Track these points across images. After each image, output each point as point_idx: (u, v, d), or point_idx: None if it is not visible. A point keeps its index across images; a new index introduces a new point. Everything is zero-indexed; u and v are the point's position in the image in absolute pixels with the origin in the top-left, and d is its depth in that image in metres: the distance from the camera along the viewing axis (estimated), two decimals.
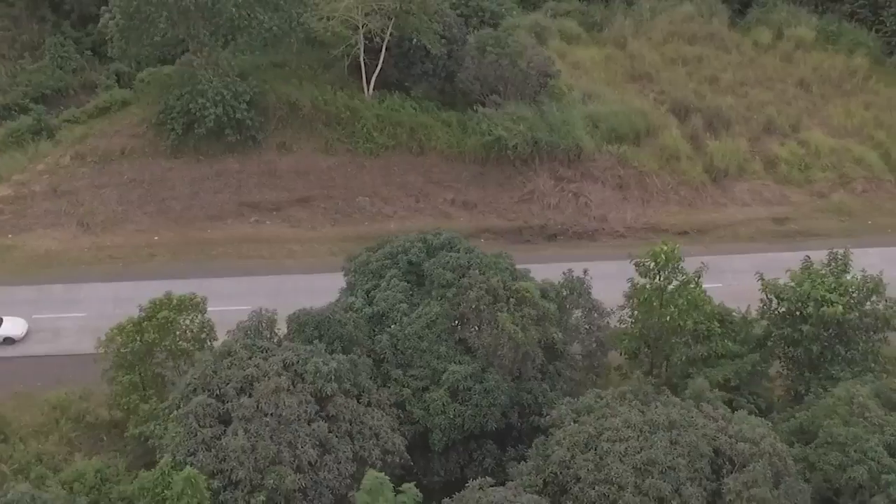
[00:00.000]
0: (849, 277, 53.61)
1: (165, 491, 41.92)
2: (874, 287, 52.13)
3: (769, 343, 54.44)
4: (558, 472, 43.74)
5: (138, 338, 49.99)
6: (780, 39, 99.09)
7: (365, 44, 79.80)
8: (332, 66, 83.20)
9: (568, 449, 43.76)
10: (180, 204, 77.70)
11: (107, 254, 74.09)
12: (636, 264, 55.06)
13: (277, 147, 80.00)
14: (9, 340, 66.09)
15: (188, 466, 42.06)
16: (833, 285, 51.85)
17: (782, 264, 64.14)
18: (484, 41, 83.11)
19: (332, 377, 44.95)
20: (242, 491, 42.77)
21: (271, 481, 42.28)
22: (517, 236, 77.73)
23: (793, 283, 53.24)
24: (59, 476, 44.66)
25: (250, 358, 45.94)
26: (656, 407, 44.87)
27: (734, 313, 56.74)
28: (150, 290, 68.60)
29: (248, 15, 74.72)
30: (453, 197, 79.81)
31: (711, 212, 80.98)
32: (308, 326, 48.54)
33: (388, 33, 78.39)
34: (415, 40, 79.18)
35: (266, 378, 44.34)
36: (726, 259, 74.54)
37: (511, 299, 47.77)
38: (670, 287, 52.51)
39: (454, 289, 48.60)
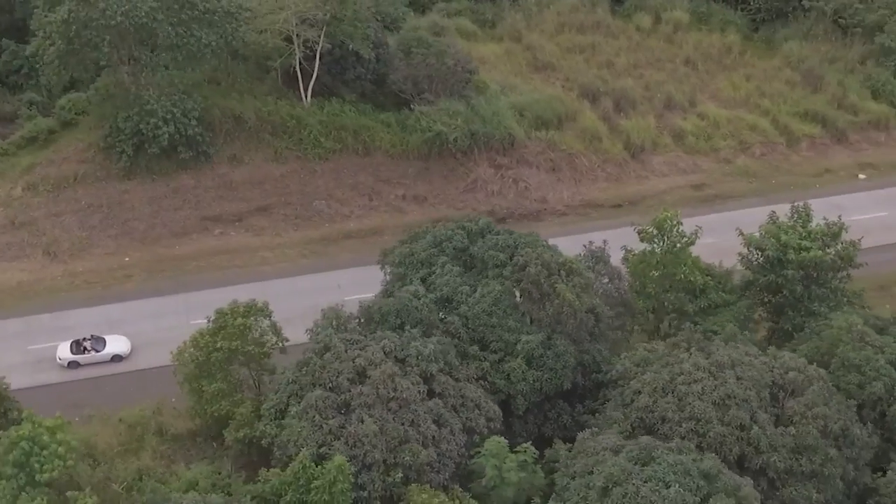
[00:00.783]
0: (813, 226, 61.06)
1: (312, 482, 43.22)
2: (838, 231, 59.62)
3: (751, 290, 61.32)
4: (644, 416, 47.87)
5: (219, 346, 50.58)
6: (659, 23, 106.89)
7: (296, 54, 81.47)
8: (265, 77, 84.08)
9: (649, 395, 47.98)
10: (143, 224, 77.28)
11: (82, 279, 72.95)
12: (639, 231, 60.83)
13: (229, 160, 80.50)
14: (117, 358, 65.65)
15: (337, 455, 43.60)
16: (804, 234, 59.21)
17: (711, 225, 71.28)
18: (408, 43, 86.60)
19: (432, 358, 48.03)
20: (378, 472, 44.70)
21: (407, 458, 44.72)
22: None
23: (768, 236, 60.12)
24: (170, 487, 45.52)
25: (346, 351, 48.01)
26: (717, 350, 50.45)
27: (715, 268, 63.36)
28: (138, 310, 70.34)
29: (186, 32, 74.75)
30: (403, 192, 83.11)
31: (636, 184, 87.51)
32: (391, 315, 50.64)
33: (322, 41, 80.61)
34: (347, 46, 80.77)
35: (374, 366, 46.63)
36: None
37: (561, 271, 52.03)
38: (675, 248, 58.56)
39: (509, 267, 52.00)
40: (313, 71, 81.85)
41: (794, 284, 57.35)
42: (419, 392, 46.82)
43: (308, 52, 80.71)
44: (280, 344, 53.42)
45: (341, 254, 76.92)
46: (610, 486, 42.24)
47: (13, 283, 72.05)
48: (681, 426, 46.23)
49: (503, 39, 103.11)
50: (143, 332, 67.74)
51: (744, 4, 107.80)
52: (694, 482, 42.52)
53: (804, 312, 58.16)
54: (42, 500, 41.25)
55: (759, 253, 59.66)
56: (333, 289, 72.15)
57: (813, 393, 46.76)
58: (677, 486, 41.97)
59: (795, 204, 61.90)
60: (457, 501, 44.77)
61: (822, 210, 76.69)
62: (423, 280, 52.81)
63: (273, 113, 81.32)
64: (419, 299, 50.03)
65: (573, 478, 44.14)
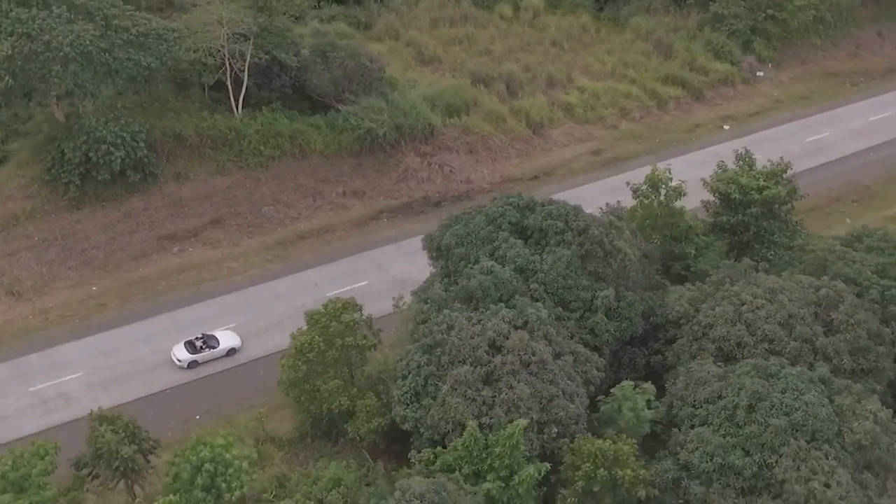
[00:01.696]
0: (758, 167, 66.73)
1: (489, 450, 44.14)
2: (783, 169, 65.82)
3: (719, 232, 66.33)
4: (722, 346, 51.62)
5: (338, 343, 50.22)
6: (518, 11, 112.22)
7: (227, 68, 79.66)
8: (191, 95, 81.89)
9: (722, 325, 51.74)
10: (101, 251, 73.37)
11: (55, 315, 68.39)
12: (633, 189, 65.03)
13: (174, 178, 77.76)
14: (232, 351, 64.95)
15: (519, 419, 44.73)
16: (758, 175, 64.91)
17: (618, 184, 76.71)
18: (321, 48, 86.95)
19: (548, 322, 49.88)
20: (533, 431, 45.98)
21: (561, 413, 46.28)
22: (410, 210, 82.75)
23: (726, 181, 65.35)
24: (316, 487, 44.06)
25: (472, 326, 48.72)
26: (762, 280, 54.49)
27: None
28: (128, 336, 67.53)
29: (124, 56, 71.61)
30: (342, 189, 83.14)
31: (544, 157, 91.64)
32: (492, 290, 51.26)
33: (249, 54, 79.24)
34: (271, 56, 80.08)
35: (503, 336, 48.07)
36: (581, 189, 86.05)
37: (612, 230, 54.92)
38: (668, 201, 62.77)
39: (570, 233, 53.99)
40: (242, 84, 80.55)
41: (760, 221, 63.22)
42: (550, 353, 48.69)
43: (236, 65, 79.29)
44: (376, 339, 53.24)
45: (303, 254, 76.39)
46: (754, 403, 46.12)
47: None
48: (756, 348, 50.65)
49: (382, 39, 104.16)
50: (142, 357, 64.91)
51: None
52: (817, 387, 47.37)
53: (767, 244, 64.12)
54: None
55: (723, 197, 65.07)
56: (311, 288, 72.18)
57: (849, 304, 52.47)
58: (811, 391, 46.72)
59: (740, 152, 67.78)
60: (619, 444, 46.37)
61: (704, 159, 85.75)
62: (491, 254, 54.43)
63: (211, 128, 79.28)
64: (492, 275, 51.46)
65: (697, 406, 48.07)
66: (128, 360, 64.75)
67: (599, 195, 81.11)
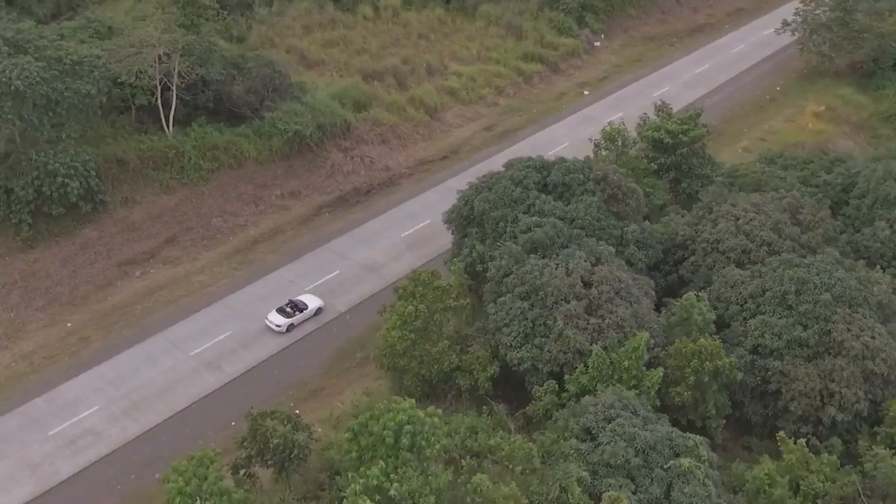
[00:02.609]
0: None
1: (611, 367, 47.82)
2: (698, 114, 72.23)
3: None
4: (730, 255, 58.20)
5: (446, 305, 51.89)
6: (378, 10, 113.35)
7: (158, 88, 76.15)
8: (120, 119, 77.49)
9: (728, 240, 58.22)
10: (65, 287, 68.32)
11: (40, 357, 63.08)
12: (595, 143, 69.95)
13: (123, 203, 73.49)
14: (319, 311, 67.56)
15: (643, 332, 48.92)
16: (679, 121, 70.92)
17: (519, 152, 80.00)
18: (235, 61, 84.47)
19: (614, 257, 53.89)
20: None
21: (655, 326, 51.46)
22: (346, 202, 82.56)
23: (652, 129, 71.23)
24: (457, 437, 44.22)
25: (558, 269, 52.28)
26: (745, 198, 61.59)
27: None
28: (127, 363, 64.33)
29: (63, 86, 66.91)
30: (280, 192, 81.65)
31: (446, 138, 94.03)
32: (556, 238, 54.64)
33: (177, 72, 75.85)
34: (196, 73, 77.35)
35: (588, 273, 52.03)
36: (490, 162, 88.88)
37: (620, 173, 59.33)
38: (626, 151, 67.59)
39: (590, 182, 57.10)
40: (171, 102, 77.18)
41: (690, 159, 69.40)
42: (632, 279, 52.45)
43: (170, 84, 76.02)
44: (466, 299, 54.74)
45: (265, 257, 74.66)
46: (800, 287, 52.61)
47: None
48: (759, 252, 56.70)
49: (259, 49, 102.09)
50: (152, 379, 61.66)
51: None
52: (837, 267, 54.52)
53: (694, 178, 70.57)
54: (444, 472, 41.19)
55: (656, 143, 70.77)
56: (287, 286, 71.23)
57: (810, 206, 59.92)
58: (838, 270, 53.89)
59: (657, 102, 73.81)
60: (710, 340, 51.37)
61: (579, 122, 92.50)
62: (526, 212, 56.57)
63: (151, 149, 75.75)
64: (545, 226, 54.47)
65: (742, 302, 54.04)
66: (139, 385, 61.28)
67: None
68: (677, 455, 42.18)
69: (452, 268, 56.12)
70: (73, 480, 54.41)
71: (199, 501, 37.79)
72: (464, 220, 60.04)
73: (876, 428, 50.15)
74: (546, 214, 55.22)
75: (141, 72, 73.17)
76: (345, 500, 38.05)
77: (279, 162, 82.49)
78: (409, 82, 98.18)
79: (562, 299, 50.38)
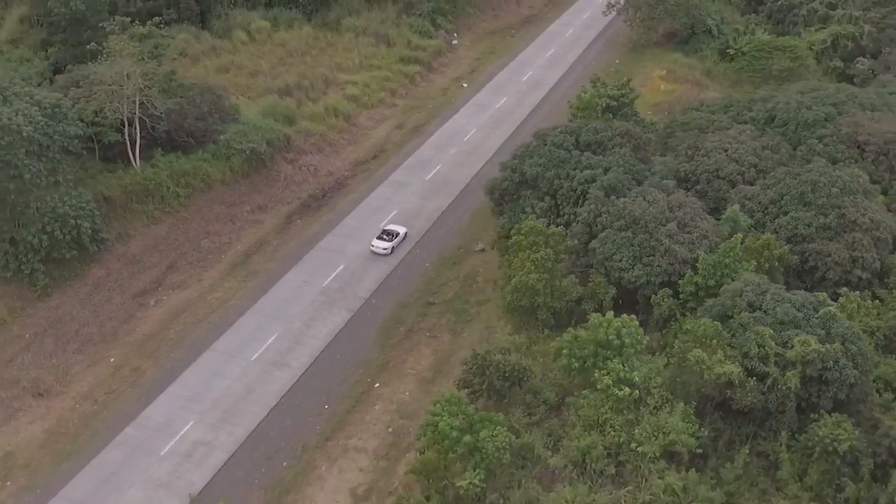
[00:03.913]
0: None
1: (714, 268, 55.68)
2: (626, 81, 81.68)
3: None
4: (729, 178, 67.62)
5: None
6: (251, 34, 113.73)
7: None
8: (85, 157, 73.80)
9: (726, 165, 67.53)
10: (92, 326, 65.75)
11: (101, 395, 60.66)
12: (570, 104, 77.78)
13: (119, 239, 71.68)
14: (406, 235, 78.17)
15: (737, 234, 57.36)
16: (613, 88, 79.95)
17: (438, 142, 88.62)
18: (174, 90, 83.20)
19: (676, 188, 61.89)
20: None
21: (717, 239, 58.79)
22: (309, 208, 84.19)
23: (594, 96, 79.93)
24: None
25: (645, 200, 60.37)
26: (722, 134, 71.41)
27: None
28: (197, 378, 64.81)
29: (52, 131, 64.80)
30: (249, 207, 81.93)
31: (368, 139, 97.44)
32: (626, 181, 62.89)
33: (138, 105, 74.27)
34: (164, 104, 76.81)
35: (667, 201, 59.45)
36: (419, 153, 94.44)
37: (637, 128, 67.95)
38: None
39: (617, 137, 63.49)
40: (136, 136, 75.31)
41: (630, 118, 78.87)
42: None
43: (140, 116, 74.76)
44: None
45: (265, 265, 75.44)
46: (812, 187, 64.10)
47: (42, 438, 57.41)
48: (750, 172, 68.17)
49: None
50: (230, 387, 61.71)
51: (293, 3, 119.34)
52: (832, 168, 67.46)
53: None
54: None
55: (606, 107, 79.65)
56: (304, 286, 72.85)
57: (769, 133, 71.11)
58: (833, 170, 66.23)
59: (593, 77, 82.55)
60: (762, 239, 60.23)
61: (474, 111, 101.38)
62: (575, 168, 62.96)
63: (131, 183, 73.88)
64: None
65: (763, 209, 64.66)
66: (219, 395, 61.18)
67: (434, 154, 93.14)
68: (815, 309, 51.29)
69: (526, 223, 61.38)
70: (211, 487, 54.26)
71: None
72: (514, 185, 65.48)
73: (885, 280, 62.16)
74: (593, 167, 62.21)
75: (115, 109, 71.65)
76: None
77: (241, 180, 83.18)
78: (314, 95, 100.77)
79: (660, 224, 57.98)
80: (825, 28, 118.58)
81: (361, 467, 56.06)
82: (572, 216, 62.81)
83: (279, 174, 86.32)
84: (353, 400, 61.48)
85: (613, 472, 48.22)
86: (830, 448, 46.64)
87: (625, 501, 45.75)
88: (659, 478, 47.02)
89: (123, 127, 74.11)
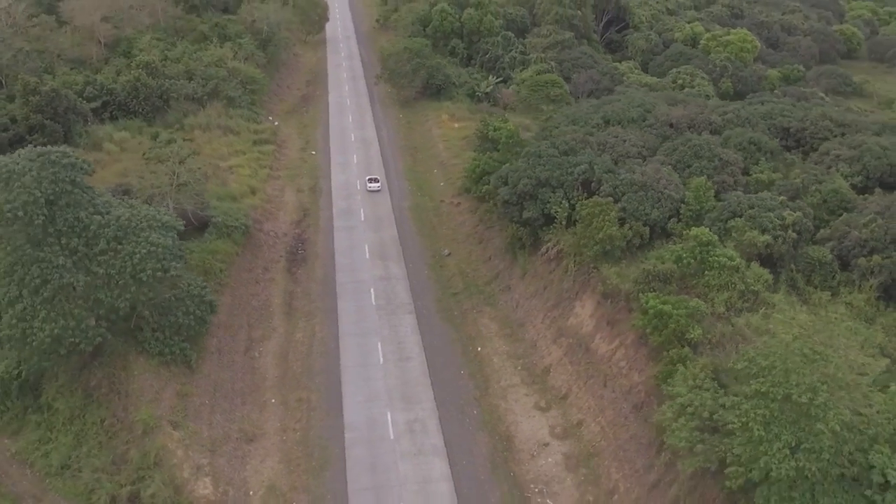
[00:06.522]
0: None
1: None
2: (504, 119, 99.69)
3: None
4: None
5: None
6: (118, 143, 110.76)
7: None
8: None
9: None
10: (239, 382, 68.09)
11: (293, 421, 64.91)
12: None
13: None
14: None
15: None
16: (496, 124, 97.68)
17: (347, 199, 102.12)
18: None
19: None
20: None
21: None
22: (296, 260, 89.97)
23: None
24: None
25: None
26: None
27: None
28: (358, 386, 70.93)
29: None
30: (260, 270, 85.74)
31: (286, 204, 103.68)
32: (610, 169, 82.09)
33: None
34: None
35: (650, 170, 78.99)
36: (345, 203, 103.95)
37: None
38: None
39: (575, 142, 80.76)
40: None
41: (512, 148, 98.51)
42: None
43: None
44: None
45: (312, 304, 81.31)
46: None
47: (283, 468, 60.97)
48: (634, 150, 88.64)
49: None
50: (387, 383, 69.74)
51: (132, 114, 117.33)
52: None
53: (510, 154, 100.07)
54: None
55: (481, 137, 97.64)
56: (359, 308, 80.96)
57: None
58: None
59: (482, 119, 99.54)
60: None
61: (341, 169, 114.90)
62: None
63: (196, 266, 75.40)
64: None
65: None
66: (386, 389, 69.31)
67: (348, 203, 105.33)
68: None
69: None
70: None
71: None
72: (532, 185, 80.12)
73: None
74: (580, 163, 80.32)
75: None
76: None
77: (243, 251, 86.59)
78: (218, 181, 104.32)
79: (657, 182, 76.43)
80: (527, 69, 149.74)
81: (526, 393, 69.62)
82: (581, 198, 77.54)
83: (260, 241, 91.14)
84: (476, 363, 73.77)
85: None
86: None
87: None
88: None
89: None
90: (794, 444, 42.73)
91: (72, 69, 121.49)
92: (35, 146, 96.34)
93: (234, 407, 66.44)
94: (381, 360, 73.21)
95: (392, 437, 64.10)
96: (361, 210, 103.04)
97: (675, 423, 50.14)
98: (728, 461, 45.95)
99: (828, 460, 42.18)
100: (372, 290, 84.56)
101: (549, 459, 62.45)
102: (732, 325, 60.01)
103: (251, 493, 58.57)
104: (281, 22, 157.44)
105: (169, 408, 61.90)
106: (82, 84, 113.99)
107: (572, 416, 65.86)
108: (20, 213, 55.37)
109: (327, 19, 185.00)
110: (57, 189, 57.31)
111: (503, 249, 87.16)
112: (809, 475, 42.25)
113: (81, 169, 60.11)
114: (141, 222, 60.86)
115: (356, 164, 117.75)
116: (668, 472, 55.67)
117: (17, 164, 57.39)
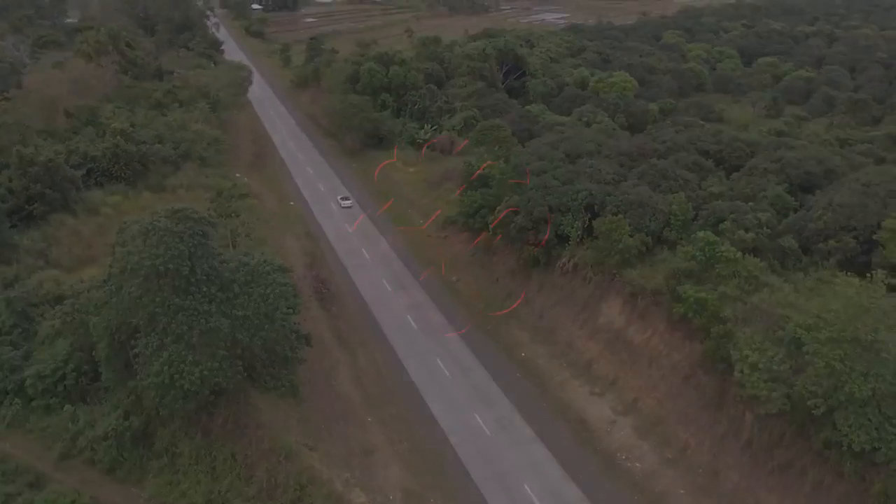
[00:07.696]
0: None
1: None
2: (483, 160, 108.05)
3: None
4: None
5: None
6: (114, 207, 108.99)
7: None
8: None
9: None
10: (338, 410, 71.01)
11: (396, 431, 69.33)
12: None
13: None
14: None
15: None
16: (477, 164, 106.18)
17: (338, 236, 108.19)
18: None
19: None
20: None
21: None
22: (325, 300, 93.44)
23: None
24: None
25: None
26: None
27: None
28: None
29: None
30: None
31: (291, 251, 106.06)
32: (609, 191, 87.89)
33: None
34: None
35: (642, 190, 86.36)
36: (342, 250, 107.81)
37: None
38: None
39: (570, 173, 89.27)
40: None
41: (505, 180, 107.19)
42: None
43: None
44: None
45: (360, 334, 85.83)
46: None
47: (405, 473, 65.98)
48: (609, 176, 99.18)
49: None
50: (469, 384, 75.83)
51: (115, 178, 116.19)
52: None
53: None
54: None
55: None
56: (409, 334, 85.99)
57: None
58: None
59: (466, 162, 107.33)
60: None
61: (325, 216, 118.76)
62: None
63: None
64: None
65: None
66: (462, 394, 75.36)
67: (348, 245, 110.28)
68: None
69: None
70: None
71: None
72: (546, 210, 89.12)
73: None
74: (580, 189, 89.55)
75: None
76: None
77: None
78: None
79: (649, 199, 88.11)
80: (454, 116, 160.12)
81: (579, 384, 77.96)
82: (585, 219, 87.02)
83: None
84: (526, 365, 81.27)
85: None
86: None
87: None
88: None
89: None
90: (865, 373, 54.19)
91: (44, 140, 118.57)
92: (36, 215, 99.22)
93: (342, 428, 70.27)
94: (447, 373, 79.33)
95: (489, 433, 70.34)
96: (363, 250, 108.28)
97: (751, 377, 60.54)
98: (807, 397, 56.72)
99: (890, 382, 53.92)
100: (408, 316, 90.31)
101: (622, 432, 71.13)
102: (748, 304, 71.86)
103: (391, 496, 63.03)
104: (221, 87, 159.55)
105: (299, 433, 65.14)
106: (66, 153, 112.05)
107: (627, 396, 74.95)
108: (171, 266, 57.91)
109: (251, 82, 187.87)
110: (194, 242, 60.16)
111: (513, 270, 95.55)
112: (878, 394, 53.77)
113: (209, 223, 62.97)
114: (265, 266, 64.40)
115: (336, 211, 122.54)
116: (732, 423, 65.94)
117: (159, 221, 59.74)
